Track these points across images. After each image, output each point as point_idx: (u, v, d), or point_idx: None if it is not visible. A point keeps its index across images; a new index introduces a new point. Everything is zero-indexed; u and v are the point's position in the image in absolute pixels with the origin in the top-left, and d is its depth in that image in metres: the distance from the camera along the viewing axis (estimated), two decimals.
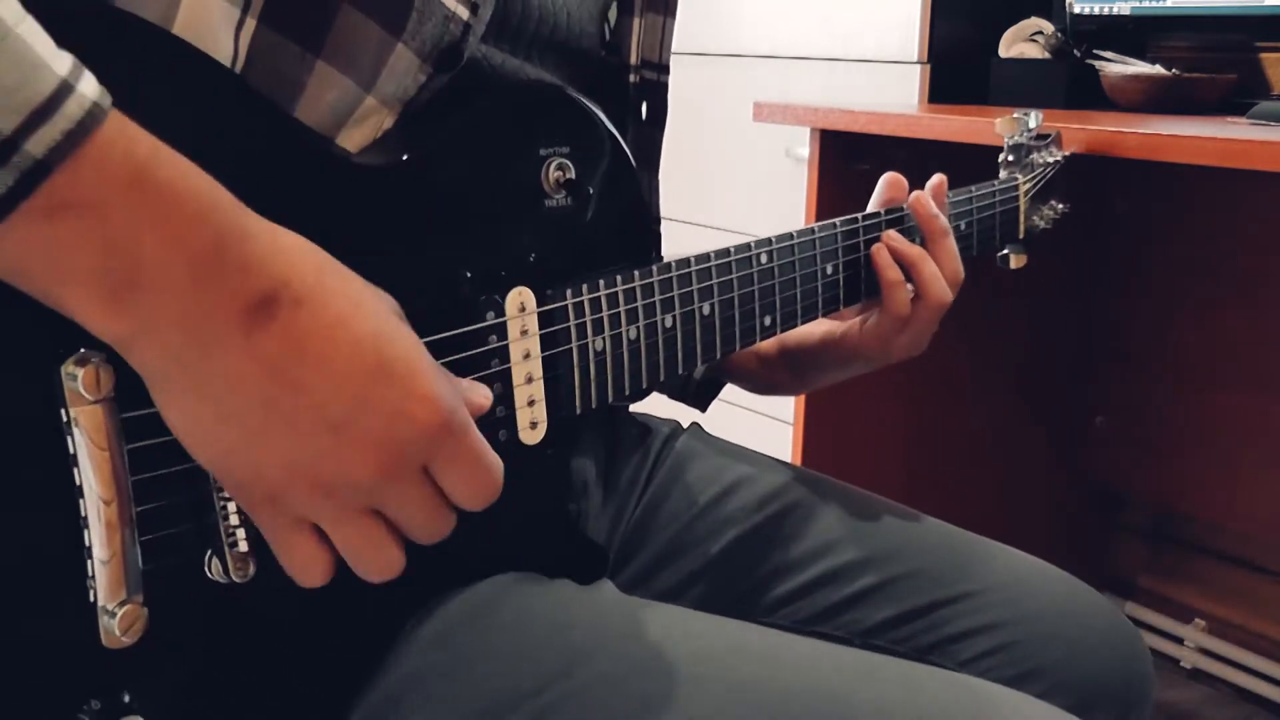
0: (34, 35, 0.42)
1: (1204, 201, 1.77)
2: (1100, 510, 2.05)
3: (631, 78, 0.81)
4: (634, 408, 0.90)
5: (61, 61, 0.43)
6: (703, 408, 0.95)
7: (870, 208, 0.87)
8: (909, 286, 0.83)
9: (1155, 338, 1.88)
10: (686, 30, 2.13)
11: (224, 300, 0.46)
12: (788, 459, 1.60)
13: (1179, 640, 1.97)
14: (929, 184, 0.87)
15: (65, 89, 0.42)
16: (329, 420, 0.48)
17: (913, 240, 0.85)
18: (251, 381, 0.47)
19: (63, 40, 0.44)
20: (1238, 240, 1.77)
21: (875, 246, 0.83)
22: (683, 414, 0.94)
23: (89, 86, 0.43)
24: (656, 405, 0.93)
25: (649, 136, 0.83)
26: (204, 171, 0.46)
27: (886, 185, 0.87)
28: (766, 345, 0.89)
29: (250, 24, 0.56)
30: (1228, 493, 1.82)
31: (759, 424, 1.97)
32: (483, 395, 0.56)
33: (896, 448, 1.73)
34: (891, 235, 0.83)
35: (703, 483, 0.86)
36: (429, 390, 0.50)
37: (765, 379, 0.91)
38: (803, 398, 1.60)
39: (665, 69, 0.82)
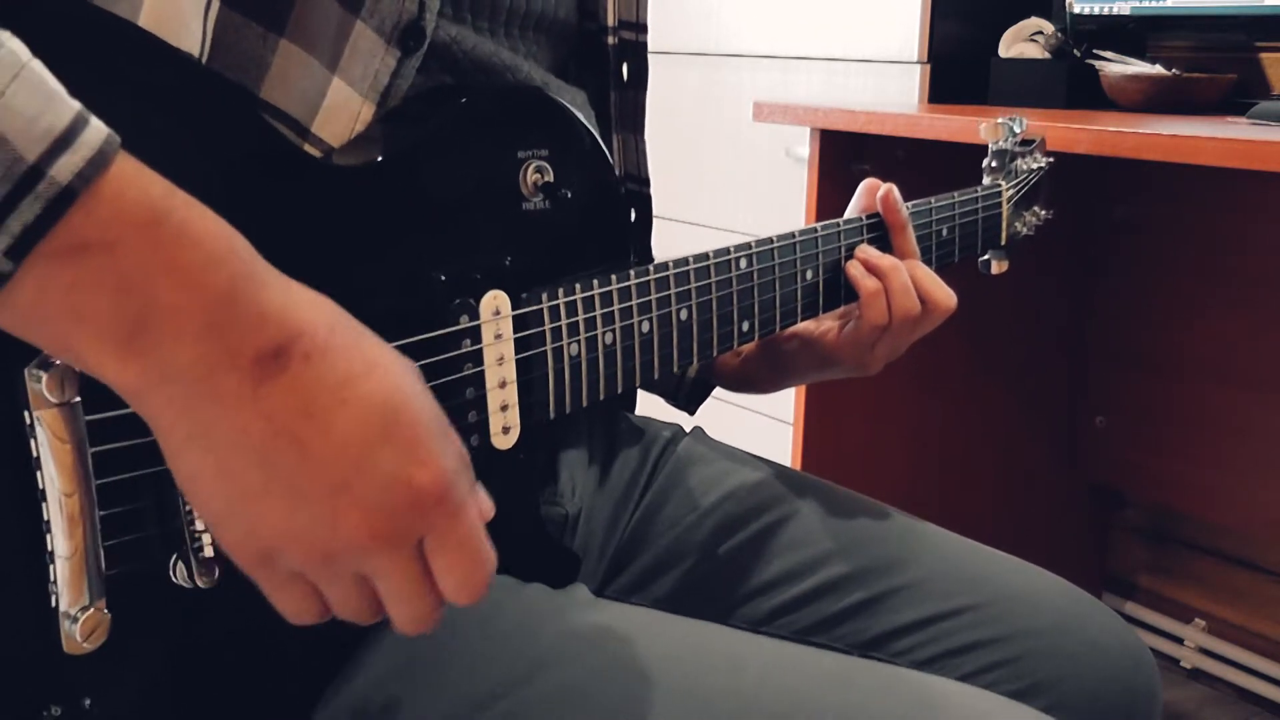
0: (44, 70, 0.43)
1: (1204, 201, 1.77)
2: (1100, 510, 2.05)
3: (610, 40, 0.79)
4: (636, 410, 0.90)
5: (70, 99, 0.43)
6: (691, 410, 0.94)
7: (849, 214, 0.87)
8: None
9: (1155, 338, 1.88)
10: (687, 30, 2.14)
11: (236, 349, 0.45)
12: (788, 459, 1.61)
13: (1179, 640, 1.97)
14: (885, 187, 0.87)
15: (82, 119, 0.42)
16: (327, 483, 0.46)
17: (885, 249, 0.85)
18: (255, 437, 0.46)
19: (29, 39, 0.43)
20: (1237, 240, 1.76)
21: (849, 262, 0.83)
22: (685, 417, 0.94)
23: (98, 121, 0.43)
24: (658, 408, 0.93)
25: (632, 99, 0.82)
26: (219, 216, 0.46)
27: (865, 192, 0.87)
28: (748, 345, 0.88)
29: (215, 6, 0.56)
30: (1228, 493, 1.82)
31: (759, 424, 1.97)
32: (486, 503, 0.52)
33: (897, 448, 1.73)
34: (864, 248, 0.84)
35: (703, 488, 0.85)
36: (432, 459, 0.48)
37: (742, 375, 0.91)
38: (803, 398, 1.60)
39: (644, 28, 0.81)
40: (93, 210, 0.42)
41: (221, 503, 0.47)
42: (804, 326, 0.86)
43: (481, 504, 0.51)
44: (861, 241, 0.85)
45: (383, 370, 0.48)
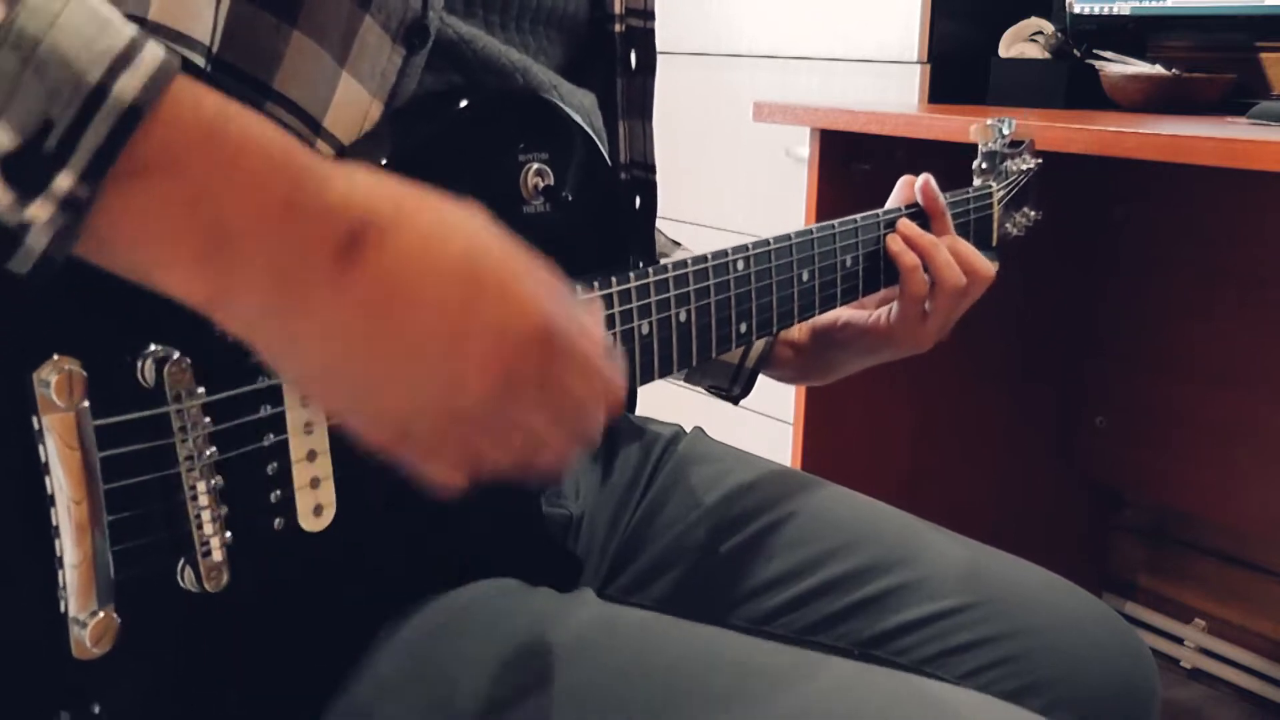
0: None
1: (1204, 201, 1.77)
2: (1100, 510, 2.05)
3: (617, 27, 0.80)
4: (636, 411, 0.90)
5: (127, 22, 0.43)
6: (737, 400, 0.96)
7: (888, 205, 0.90)
8: (925, 274, 0.87)
9: (1155, 337, 1.88)
10: (687, 30, 2.14)
11: (310, 246, 0.45)
12: (788, 459, 1.61)
13: (1179, 640, 1.97)
14: (923, 177, 0.92)
15: (138, 41, 0.43)
16: (435, 350, 0.47)
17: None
18: (350, 327, 0.46)
19: None
20: (1238, 240, 1.76)
21: (890, 235, 0.87)
22: (685, 417, 0.94)
23: (155, 42, 0.44)
24: (659, 409, 0.93)
25: (640, 85, 0.82)
26: (271, 122, 0.46)
27: (904, 185, 0.92)
28: (800, 337, 0.93)
29: None
30: (1228, 493, 1.82)
31: (759, 424, 1.97)
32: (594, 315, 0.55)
33: (896, 448, 1.73)
34: (905, 222, 0.88)
35: (703, 488, 0.85)
36: (524, 299, 0.49)
37: (799, 369, 0.94)
38: (803, 398, 1.60)
39: (651, 15, 0.82)
40: (152, 131, 0.43)
41: (342, 398, 0.48)
42: (854, 318, 0.90)
43: (592, 326, 0.53)
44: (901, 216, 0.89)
45: (455, 227, 0.49)
